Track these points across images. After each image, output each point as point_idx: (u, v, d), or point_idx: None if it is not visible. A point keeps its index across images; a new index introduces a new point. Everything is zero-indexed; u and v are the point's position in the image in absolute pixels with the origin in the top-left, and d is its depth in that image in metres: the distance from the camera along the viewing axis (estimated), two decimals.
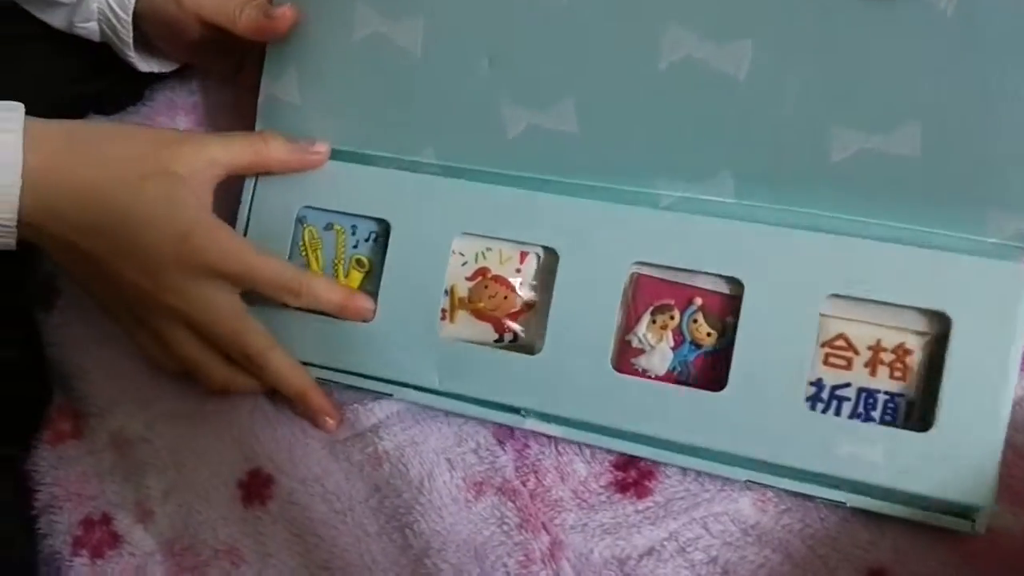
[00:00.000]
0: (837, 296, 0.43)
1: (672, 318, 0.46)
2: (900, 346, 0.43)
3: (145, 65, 0.56)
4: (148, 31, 0.54)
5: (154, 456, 0.52)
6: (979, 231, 0.42)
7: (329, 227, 0.51)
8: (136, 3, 0.52)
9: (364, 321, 0.49)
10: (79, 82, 0.58)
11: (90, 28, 0.54)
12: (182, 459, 0.52)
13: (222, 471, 0.51)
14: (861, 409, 0.43)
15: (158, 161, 0.46)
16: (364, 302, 0.49)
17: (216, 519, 0.50)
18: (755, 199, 0.45)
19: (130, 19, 0.53)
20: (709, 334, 0.45)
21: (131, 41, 0.54)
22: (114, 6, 0.52)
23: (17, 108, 0.44)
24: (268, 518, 0.50)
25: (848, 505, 0.43)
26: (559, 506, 0.47)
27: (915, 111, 0.41)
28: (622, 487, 0.47)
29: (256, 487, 0.50)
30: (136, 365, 0.53)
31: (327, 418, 0.50)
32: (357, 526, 0.48)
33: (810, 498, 0.44)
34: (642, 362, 0.46)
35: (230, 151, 0.49)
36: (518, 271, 0.48)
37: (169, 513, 0.51)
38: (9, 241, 0.45)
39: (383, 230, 0.50)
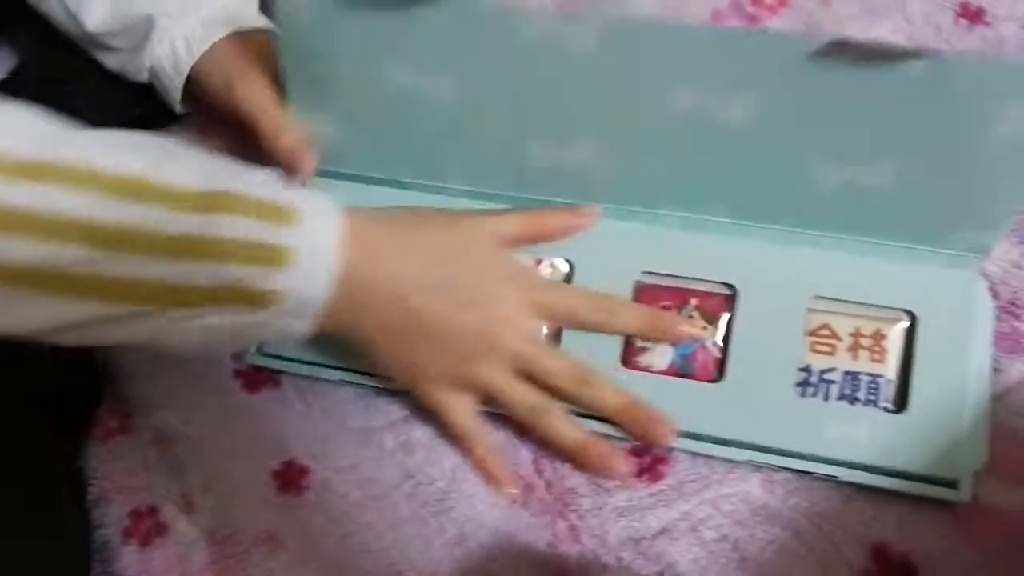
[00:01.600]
0: (820, 297, 0.50)
1: None
2: (877, 332, 0.49)
3: (183, 108, 0.60)
4: (195, 92, 0.58)
5: (193, 450, 0.55)
6: (940, 243, 0.49)
7: None
8: (190, 69, 0.56)
9: None
10: (127, 108, 0.62)
11: (140, 77, 0.58)
12: (219, 452, 0.55)
13: (257, 463, 0.54)
14: (848, 391, 0.49)
15: (473, 223, 0.51)
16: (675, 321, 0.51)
17: (254, 508, 0.53)
18: (748, 219, 0.51)
19: (183, 81, 0.57)
20: (705, 328, 0.51)
21: (179, 97, 0.58)
22: (167, 67, 0.56)
23: (331, 204, 0.45)
24: (305, 506, 0.53)
25: (841, 479, 0.48)
26: (575, 492, 0.51)
27: (889, 150, 0.47)
28: (637, 472, 0.51)
29: (292, 476, 0.54)
30: (172, 367, 0.57)
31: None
32: (392, 511, 0.52)
33: (807, 473, 0.49)
34: (645, 359, 0.51)
35: (512, 225, 0.52)
36: None
37: (210, 504, 0.54)
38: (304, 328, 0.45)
39: None
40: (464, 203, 0.54)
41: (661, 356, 0.51)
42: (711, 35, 0.47)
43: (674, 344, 0.51)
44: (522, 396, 0.50)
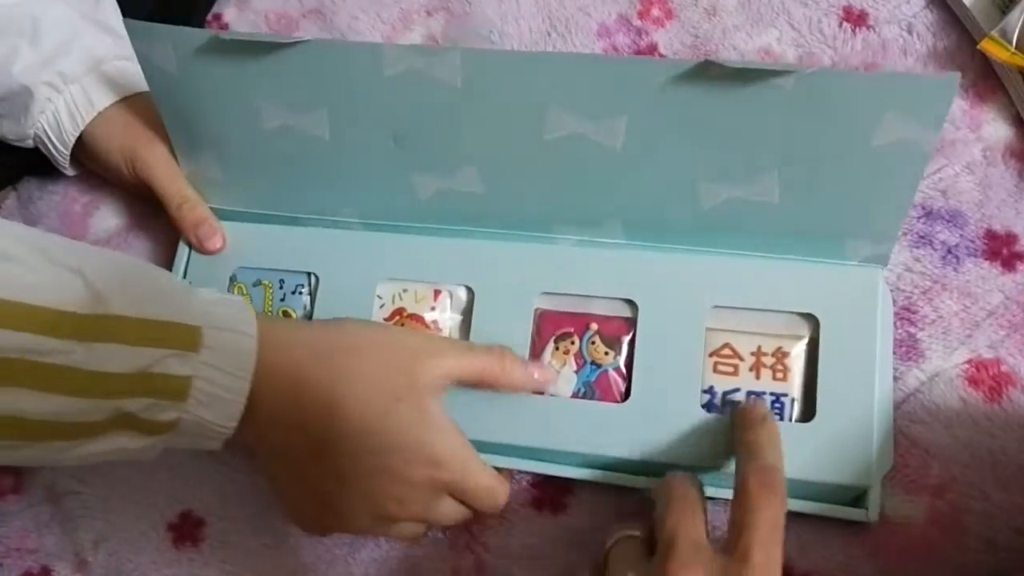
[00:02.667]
0: (720, 308, 0.48)
1: (572, 343, 0.50)
2: (779, 350, 0.48)
3: (73, 171, 0.59)
4: (83, 160, 0.57)
5: (84, 506, 0.54)
6: (839, 256, 0.48)
7: (257, 283, 0.54)
8: (77, 140, 0.55)
9: None
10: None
11: (25, 144, 0.56)
12: (111, 507, 0.53)
13: (152, 516, 0.53)
14: None
15: (409, 379, 0.44)
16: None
17: (147, 563, 0.52)
18: (644, 239, 0.50)
19: (68, 152, 0.56)
20: (607, 353, 0.50)
21: (67, 164, 0.57)
22: (52, 137, 0.55)
23: (249, 310, 0.43)
24: (200, 558, 0.52)
25: None
26: (482, 523, 0.50)
27: (770, 166, 0.46)
28: (538, 504, 0.51)
29: (188, 528, 0.52)
30: None
31: None
32: (291, 557, 0.50)
33: (712, 499, 0.47)
34: (549, 388, 0.49)
35: (466, 367, 0.46)
36: (432, 308, 0.52)
37: (102, 562, 0.52)
38: (216, 444, 0.43)
39: (310, 281, 0.54)
40: (360, 235, 0.54)
41: (566, 384, 0.50)
42: (576, 63, 0.46)
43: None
44: (451, 513, 0.46)
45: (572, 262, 0.51)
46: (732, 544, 0.37)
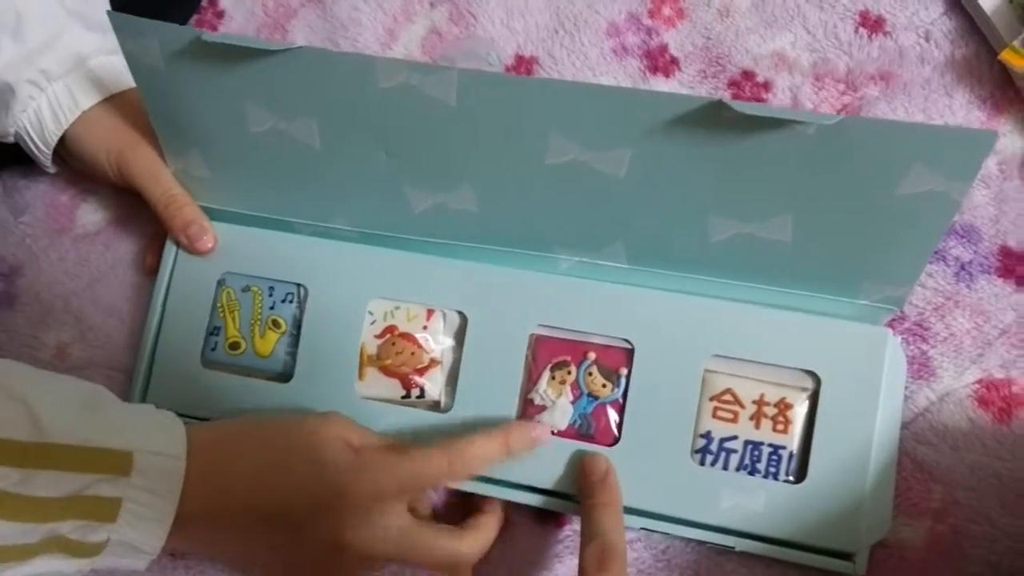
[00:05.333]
0: (721, 357, 0.47)
1: (569, 373, 0.48)
2: (782, 401, 0.46)
3: (55, 170, 0.57)
4: (66, 157, 0.55)
5: None
6: (852, 295, 0.46)
7: (247, 289, 0.52)
8: (60, 140, 0.53)
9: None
10: None
11: (6, 140, 0.54)
12: None
13: None
14: (748, 461, 0.46)
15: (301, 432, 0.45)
16: (528, 430, 0.46)
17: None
18: (646, 264, 0.48)
19: (51, 150, 0.53)
20: (604, 385, 0.48)
21: (48, 163, 0.55)
22: (34, 136, 0.53)
23: (180, 428, 0.44)
24: (199, 566, 0.51)
25: (737, 549, 0.46)
26: None
27: (786, 207, 0.44)
28: (542, 517, 0.50)
29: None
30: None
31: None
32: None
33: (702, 543, 0.47)
34: (544, 418, 0.48)
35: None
36: (425, 328, 0.50)
37: None
38: (143, 564, 0.43)
39: (299, 291, 0.52)
40: (351, 246, 0.51)
41: (562, 415, 0.48)
42: (577, 93, 0.43)
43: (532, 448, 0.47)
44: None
45: (570, 294, 0.49)
46: None
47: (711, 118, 0.41)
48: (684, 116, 0.42)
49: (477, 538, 0.46)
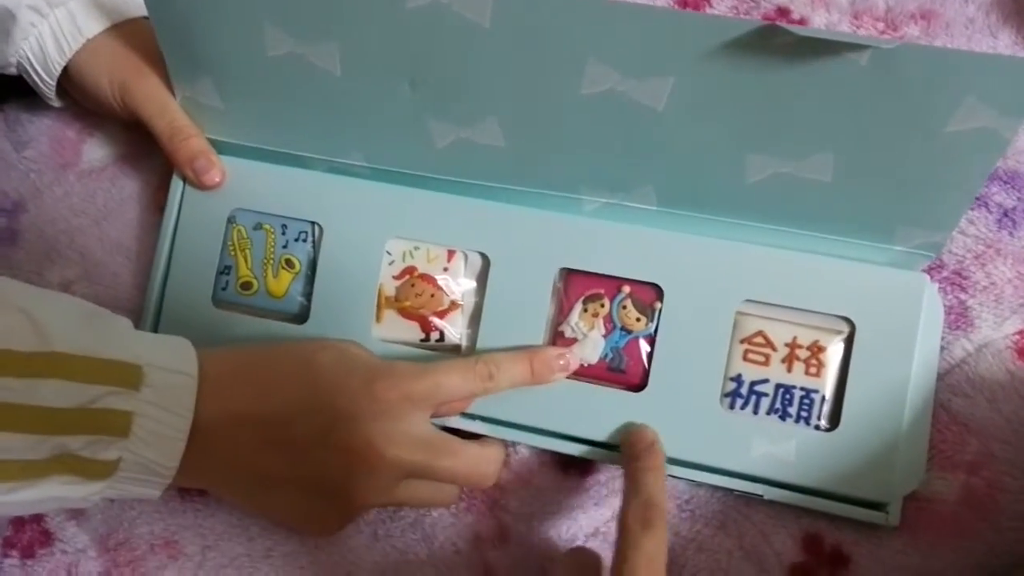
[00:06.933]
0: (752, 302, 0.45)
1: (603, 306, 0.47)
2: (815, 343, 0.45)
3: (59, 103, 0.55)
4: (69, 89, 0.53)
5: None
6: (887, 241, 0.44)
7: (258, 227, 0.51)
8: (64, 70, 0.51)
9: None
10: None
11: (7, 71, 0.52)
12: None
13: None
14: (779, 405, 0.45)
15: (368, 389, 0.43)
16: (552, 354, 0.46)
17: (151, 512, 0.50)
18: (677, 207, 0.46)
19: (54, 82, 0.51)
20: (639, 319, 0.47)
21: (52, 95, 0.53)
22: (36, 66, 0.50)
23: (190, 349, 0.43)
24: (207, 510, 0.50)
25: (766, 498, 0.45)
26: (502, 488, 0.49)
27: (827, 144, 0.42)
28: (565, 466, 0.49)
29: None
30: None
31: None
32: None
33: (729, 491, 0.46)
34: (575, 351, 0.47)
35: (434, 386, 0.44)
36: (445, 269, 0.49)
37: (102, 507, 0.51)
38: (157, 491, 0.42)
39: (314, 230, 0.50)
40: (368, 184, 0.49)
41: (593, 348, 0.47)
42: (622, 13, 0.41)
43: (565, 374, 0.46)
44: (427, 495, 0.46)
45: (596, 237, 0.47)
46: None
47: (761, 44, 0.39)
48: (733, 41, 0.39)
49: (499, 449, 0.46)
